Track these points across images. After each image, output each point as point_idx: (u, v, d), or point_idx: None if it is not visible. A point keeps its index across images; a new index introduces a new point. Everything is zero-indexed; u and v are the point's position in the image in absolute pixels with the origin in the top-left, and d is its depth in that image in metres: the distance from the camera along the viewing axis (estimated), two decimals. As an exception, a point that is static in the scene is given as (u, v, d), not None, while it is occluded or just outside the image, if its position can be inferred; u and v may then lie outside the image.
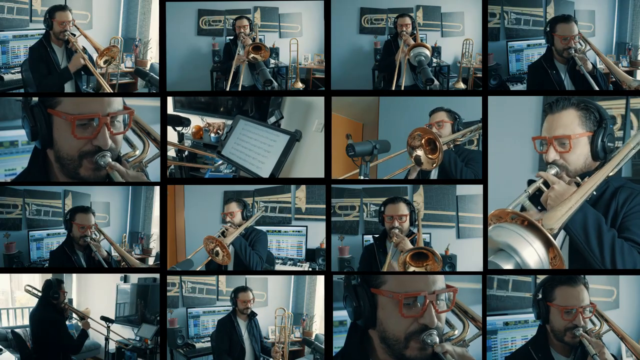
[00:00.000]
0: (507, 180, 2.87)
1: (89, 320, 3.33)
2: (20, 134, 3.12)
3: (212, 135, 4.06)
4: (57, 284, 3.26)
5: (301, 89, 3.78)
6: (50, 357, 3.24)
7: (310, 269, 3.68)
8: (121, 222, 3.71)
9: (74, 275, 3.55)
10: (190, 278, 3.74)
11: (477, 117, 2.96)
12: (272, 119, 3.73)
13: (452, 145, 3.05)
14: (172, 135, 3.71)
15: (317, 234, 3.68)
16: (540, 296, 2.72)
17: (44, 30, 3.32)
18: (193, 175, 3.80)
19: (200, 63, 3.80)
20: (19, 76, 3.37)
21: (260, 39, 3.73)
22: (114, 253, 3.21)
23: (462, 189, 3.47)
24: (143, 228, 3.73)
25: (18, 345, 3.38)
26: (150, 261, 3.63)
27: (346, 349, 2.27)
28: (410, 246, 2.94)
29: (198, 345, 3.71)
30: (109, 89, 3.22)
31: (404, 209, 3.15)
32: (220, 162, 3.60)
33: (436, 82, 3.25)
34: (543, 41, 3.32)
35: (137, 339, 3.45)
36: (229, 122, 3.80)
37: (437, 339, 2.05)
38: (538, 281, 2.91)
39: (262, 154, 3.23)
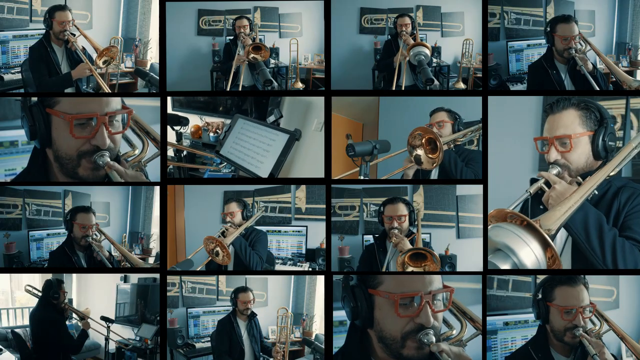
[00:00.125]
0: (507, 180, 2.87)
1: (89, 320, 3.33)
2: (20, 134, 3.12)
3: (211, 134, 4.06)
4: (57, 284, 3.27)
5: (301, 89, 3.78)
6: (50, 357, 3.24)
7: (310, 269, 3.68)
8: (121, 222, 3.71)
9: (74, 275, 3.55)
10: (190, 278, 3.74)
11: (477, 117, 2.96)
12: (271, 118, 3.73)
13: (452, 145, 3.05)
14: (170, 134, 3.71)
15: (317, 234, 3.68)
16: (540, 296, 2.72)
17: (44, 30, 3.32)
18: (192, 175, 3.80)
19: (200, 63, 3.80)
20: (19, 76, 3.37)
21: (260, 39, 3.73)
22: (114, 253, 3.21)
23: (462, 189, 3.46)
24: (143, 228, 3.73)
25: (18, 345, 3.38)
26: (151, 261, 3.63)
27: (346, 347, 2.29)
28: (409, 246, 2.94)
29: (198, 345, 3.71)
30: (107, 90, 3.22)
31: (403, 209, 3.15)
32: (220, 162, 3.60)
33: (436, 82, 3.25)
34: (543, 41, 3.32)
35: (137, 339, 3.45)
36: (228, 121, 3.80)
37: (434, 339, 2.06)
38: (538, 281, 2.91)
39: (261, 153, 3.22)
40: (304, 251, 3.74)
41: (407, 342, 2.08)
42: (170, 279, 3.59)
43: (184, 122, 3.57)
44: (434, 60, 3.62)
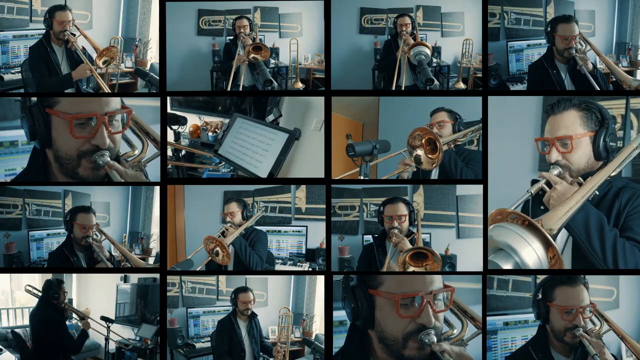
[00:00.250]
0: (507, 180, 2.87)
1: (89, 320, 3.33)
2: (20, 134, 3.11)
3: (210, 134, 4.06)
4: (57, 284, 3.27)
5: (301, 89, 3.77)
6: (50, 357, 3.24)
7: (310, 269, 3.68)
8: (121, 222, 3.71)
9: (74, 275, 3.55)
10: (190, 278, 3.74)
11: (477, 117, 2.96)
12: (271, 117, 3.73)
13: (452, 146, 3.05)
14: (168, 134, 3.70)
15: (317, 234, 3.68)
16: (540, 296, 2.72)
17: (44, 30, 3.32)
18: (191, 175, 3.80)
19: (200, 63, 3.80)
20: (19, 76, 3.37)
21: (260, 39, 3.73)
22: (114, 253, 3.21)
23: (462, 189, 3.46)
24: (143, 228, 3.73)
25: (18, 345, 3.38)
26: (151, 261, 3.63)
27: (346, 348, 2.28)
28: (409, 246, 2.94)
29: (198, 345, 3.71)
30: (107, 90, 3.22)
31: (403, 209, 3.15)
32: (219, 162, 3.59)
33: (436, 82, 3.25)
34: (543, 41, 3.32)
35: (137, 339, 3.45)
36: (227, 120, 3.80)
37: (435, 339, 2.06)
38: (538, 281, 2.91)
39: (260, 152, 3.21)
40: (304, 251, 3.74)
41: (409, 343, 2.07)
42: (170, 279, 3.59)
43: (182, 121, 3.57)
44: (434, 60, 3.62)
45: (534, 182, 2.42)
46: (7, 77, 3.40)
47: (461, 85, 3.58)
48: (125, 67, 3.66)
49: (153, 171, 2.87)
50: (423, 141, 2.88)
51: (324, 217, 3.05)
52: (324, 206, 3.09)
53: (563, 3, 3.49)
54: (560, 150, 2.42)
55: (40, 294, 3.27)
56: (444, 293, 2.15)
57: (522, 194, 2.35)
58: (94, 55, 3.31)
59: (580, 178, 2.39)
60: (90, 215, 3.18)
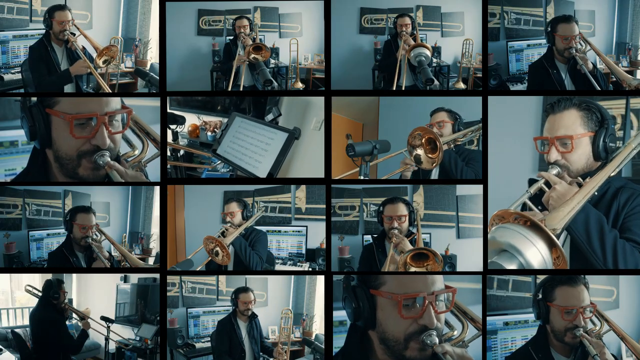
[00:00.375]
0: (507, 180, 2.87)
1: (89, 320, 3.33)
2: (20, 134, 3.10)
3: (209, 133, 4.06)
4: (57, 284, 3.26)
5: (301, 89, 3.77)
6: (50, 357, 3.24)
7: (310, 269, 3.68)
8: (121, 222, 3.71)
9: (74, 275, 3.55)
10: (190, 278, 3.74)
11: (477, 117, 2.96)
12: (270, 116, 3.72)
13: (452, 145, 3.04)
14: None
15: (317, 234, 3.68)
16: (540, 296, 2.72)
17: (44, 30, 3.32)
18: (190, 175, 3.79)
19: (200, 63, 3.80)
20: (19, 76, 3.37)
21: (260, 39, 3.73)
22: (114, 253, 3.21)
23: (462, 189, 3.46)
24: (143, 228, 3.73)
25: (18, 345, 3.38)
26: (151, 261, 3.63)
27: (346, 348, 2.27)
28: (409, 247, 2.93)
29: (198, 345, 3.71)
30: (107, 89, 3.22)
31: (402, 209, 3.15)
32: (218, 162, 3.58)
33: (436, 82, 3.25)
34: (543, 41, 3.33)
35: (137, 339, 3.45)
36: (226, 120, 3.79)
37: (437, 340, 2.05)
38: (538, 281, 2.91)
39: (259, 152, 3.20)
40: (304, 251, 3.74)
41: (410, 344, 2.06)
42: (170, 279, 3.59)
43: (180, 120, 3.56)
44: (434, 60, 3.62)
45: (531, 181, 2.42)
46: (7, 77, 3.40)
47: (461, 85, 3.58)
48: (125, 67, 3.66)
49: (153, 171, 2.87)
50: (423, 141, 2.88)
51: (324, 217, 3.05)
52: (324, 206, 3.09)
53: (563, 3, 3.49)
54: (560, 150, 2.42)
55: (40, 294, 3.27)
56: (445, 294, 2.15)
57: (522, 194, 2.35)
58: (94, 55, 3.31)
59: (579, 178, 2.39)
60: (90, 216, 3.18)
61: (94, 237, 3.14)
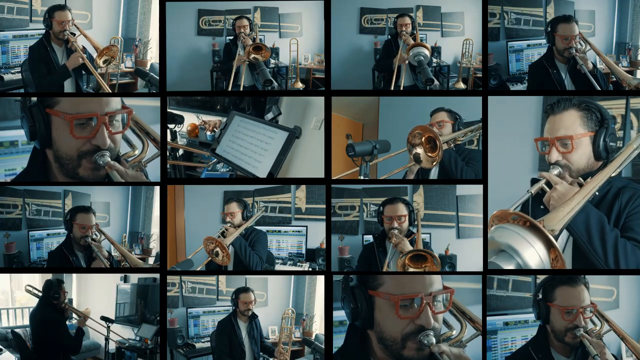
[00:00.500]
0: (507, 180, 2.87)
1: (83, 318, 3.33)
2: (20, 134, 3.10)
3: (208, 133, 4.05)
4: (57, 284, 3.26)
5: (301, 89, 3.77)
6: (50, 357, 3.24)
7: (310, 269, 3.68)
8: (121, 222, 3.71)
9: (74, 275, 3.55)
10: (190, 278, 3.74)
11: (477, 117, 2.96)
12: (270, 115, 3.72)
13: (452, 145, 3.04)
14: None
15: (317, 234, 3.68)
16: (540, 296, 2.72)
17: (44, 30, 3.32)
18: (189, 175, 3.79)
19: (200, 63, 3.80)
20: (19, 76, 3.37)
21: (260, 39, 3.73)
22: (114, 253, 3.21)
23: (462, 189, 3.46)
24: (143, 228, 3.73)
25: (18, 345, 3.38)
26: (151, 261, 3.63)
27: (345, 347, 2.28)
28: (409, 247, 2.93)
29: (198, 345, 3.71)
30: (107, 89, 3.22)
31: (402, 209, 3.15)
32: (215, 160, 3.57)
33: (436, 82, 3.25)
34: (543, 41, 3.33)
35: (137, 339, 3.45)
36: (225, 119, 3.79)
37: (434, 340, 2.05)
38: (538, 281, 2.91)
39: (259, 152, 3.18)
40: (304, 251, 3.74)
41: (407, 343, 2.07)
42: (170, 279, 3.59)
43: (179, 120, 3.55)
44: (434, 60, 3.62)
45: (533, 181, 2.42)
46: (7, 77, 3.40)
47: (461, 85, 3.58)
48: (125, 67, 3.66)
49: (153, 171, 2.87)
50: (423, 140, 2.88)
51: (324, 217, 3.05)
52: (324, 206, 3.09)
53: (563, 3, 3.49)
54: (561, 151, 2.42)
55: (40, 294, 3.27)
56: (444, 294, 2.15)
57: (522, 194, 2.35)
58: (95, 55, 3.31)
59: (580, 178, 2.39)
60: (90, 215, 3.18)
61: (94, 237, 3.14)
